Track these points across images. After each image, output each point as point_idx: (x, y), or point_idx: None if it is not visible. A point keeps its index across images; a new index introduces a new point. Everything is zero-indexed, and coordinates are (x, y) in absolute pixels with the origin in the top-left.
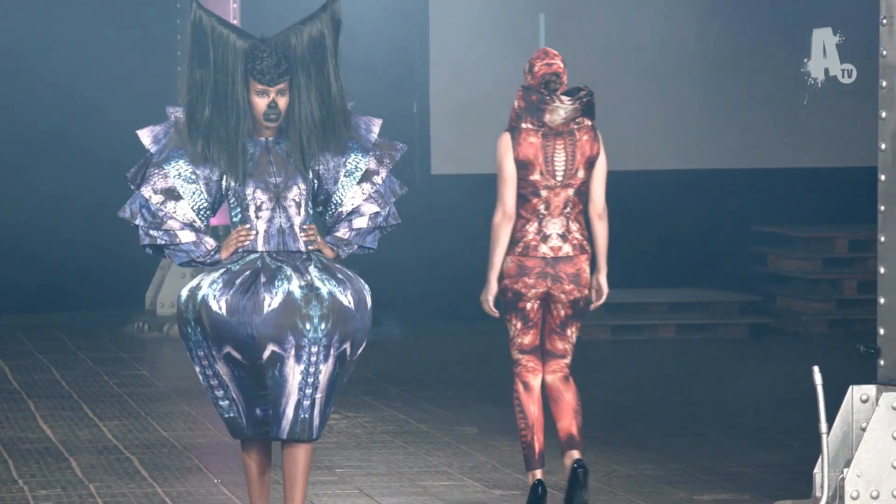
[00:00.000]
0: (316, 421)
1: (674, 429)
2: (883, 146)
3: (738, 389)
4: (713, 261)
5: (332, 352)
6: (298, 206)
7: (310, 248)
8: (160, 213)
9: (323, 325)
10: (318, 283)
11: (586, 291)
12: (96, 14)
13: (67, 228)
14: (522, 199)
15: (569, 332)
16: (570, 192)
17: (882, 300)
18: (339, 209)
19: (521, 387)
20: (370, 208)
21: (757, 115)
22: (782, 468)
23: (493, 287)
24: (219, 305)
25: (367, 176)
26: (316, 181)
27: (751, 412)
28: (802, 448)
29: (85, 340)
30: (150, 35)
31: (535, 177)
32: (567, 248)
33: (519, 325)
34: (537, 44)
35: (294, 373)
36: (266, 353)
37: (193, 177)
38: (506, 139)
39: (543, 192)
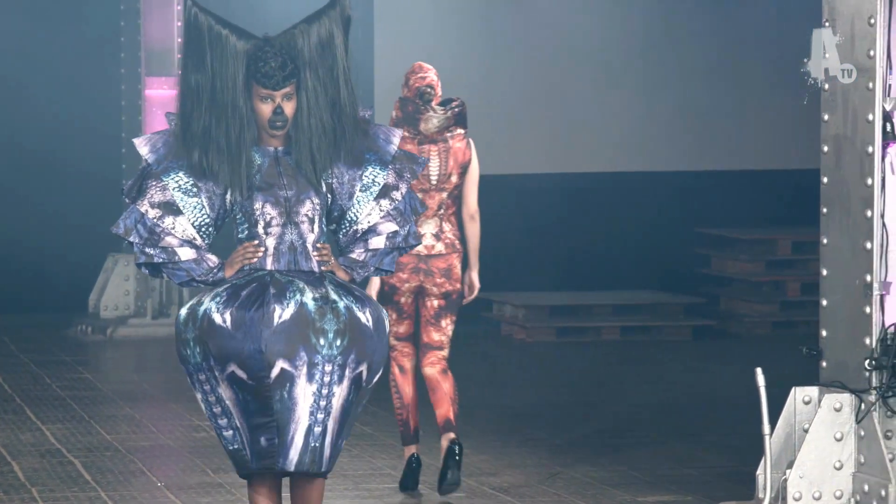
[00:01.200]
0: (327, 452)
1: (618, 431)
2: (825, 149)
3: (681, 391)
4: (657, 263)
5: (347, 373)
6: (312, 222)
7: (322, 268)
8: (157, 230)
9: (339, 342)
10: (334, 296)
11: (458, 286)
12: (36, 14)
13: (7, 230)
14: None
15: (444, 324)
16: (444, 195)
17: (824, 302)
18: (355, 227)
19: (397, 370)
20: (388, 227)
21: (700, 117)
22: (725, 469)
23: (374, 283)
24: (223, 318)
25: (385, 191)
26: (329, 196)
27: (694, 414)
28: (745, 449)
29: (27, 343)
30: (92, 36)
31: None
32: (440, 247)
33: (394, 316)
34: (486, 46)
35: (305, 394)
36: (275, 371)
37: (195, 190)
38: None
39: (419, 195)
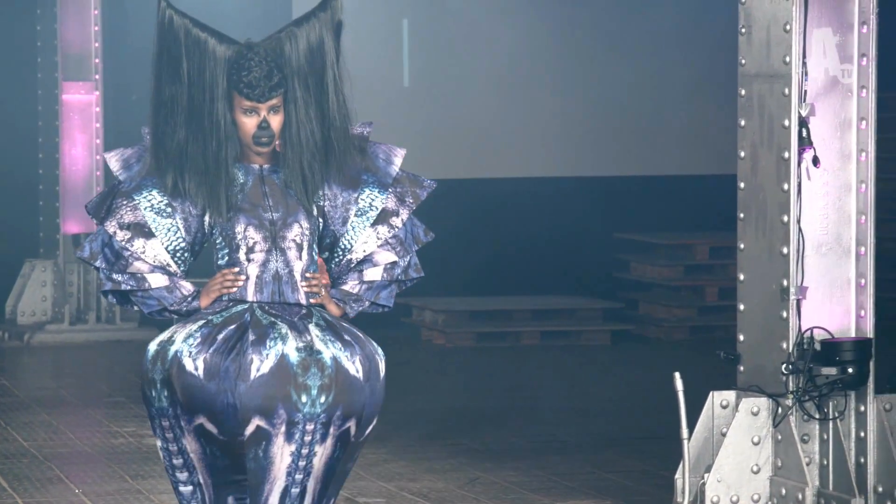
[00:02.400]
0: None
1: (537, 435)
2: (742, 154)
3: (600, 395)
4: (576, 268)
5: (331, 430)
6: (300, 248)
7: (312, 300)
8: (125, 253)
9: (323, 398)
10: (319, 346)
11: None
12: None
13: None
14: None
15: None
16: None
17: (742, 307)
18: (348, 256)
19: None
20: (386, 257)
21: (619, 123)
22: (644, 474)
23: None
24: (195, 365)
25: (383, 217)
26: (321, 220)
27: (613, 418)
28: (664, 454)
29: None
30: (8, 40)
31: None
32: None
33: None
34: (401, 50)
35: (282, 454)
36: (249, 429)
37: (169, 210)
38: None
39: None
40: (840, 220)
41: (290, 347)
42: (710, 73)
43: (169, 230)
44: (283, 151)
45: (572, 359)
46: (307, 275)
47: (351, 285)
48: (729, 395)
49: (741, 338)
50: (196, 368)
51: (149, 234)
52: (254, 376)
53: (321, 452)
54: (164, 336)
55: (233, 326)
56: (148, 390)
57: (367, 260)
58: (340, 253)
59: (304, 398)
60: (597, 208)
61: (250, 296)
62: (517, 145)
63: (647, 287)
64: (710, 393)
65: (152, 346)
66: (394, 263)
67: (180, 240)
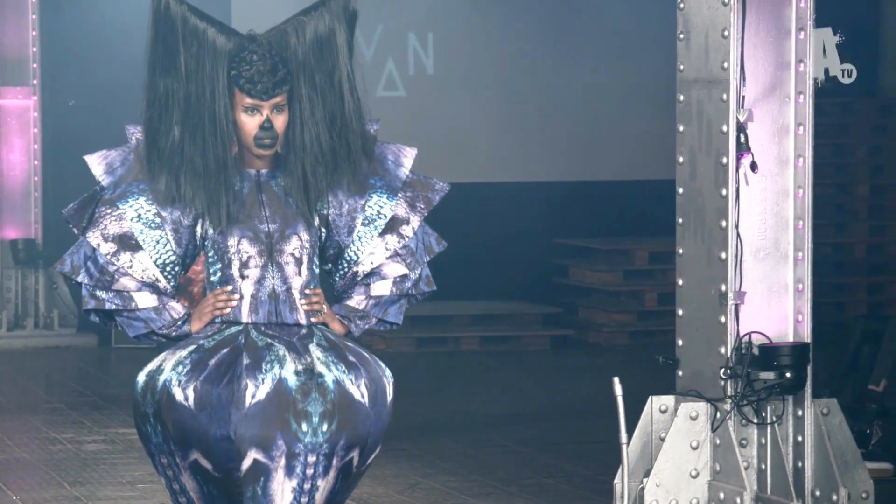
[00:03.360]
0: None
1: (477, 441)
2: (681, 159)
3: (540, 401)
4: (516, 273)
5: (334, 462)
6: (299, 262)
7: (313, 319)
8: (110, 268)
9: (325, 427)
10: (320, 368)
11: None
12: None
13: None
14: None
15: None
16: None
17: (680, 312)
18: (355, 268)
19: None
20: (396, 269)
21: (558, 129)
22: (584, 479)
23: None
24: (184, 395)
25: (393, 225)
26: (324, 230)
27: (553, 423)
28: (603, 458)
29: None
30: None
31: None
32: None
33: (186, 304)
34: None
35: (283, 491)
36: (246, 463)
37: (158, 220)
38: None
39: None
40: (778, 225)
41: (289, 371)
42: (649, 78)
43: (158, 242)
44: (284, 154)
45: (512, 364)
46: (307, 291)
47: (357, 300)
48: (668, 400)
49: (680, 343)
50: (186, 398)
51: (136, 247)
52: (249, 404)
53: (323, 487)
54: (152, 365)
55: (225, 350)
56: (142, 425)
57: (374, 273)
58: (345, 265)
59: (304, 427)
60: (536, 213)
61: (245, 316)
62: (456, 151)
63: (587, 292)
64: (649, 398)
65: (141, 378)
66: (404, 276)
67: (170, 252)
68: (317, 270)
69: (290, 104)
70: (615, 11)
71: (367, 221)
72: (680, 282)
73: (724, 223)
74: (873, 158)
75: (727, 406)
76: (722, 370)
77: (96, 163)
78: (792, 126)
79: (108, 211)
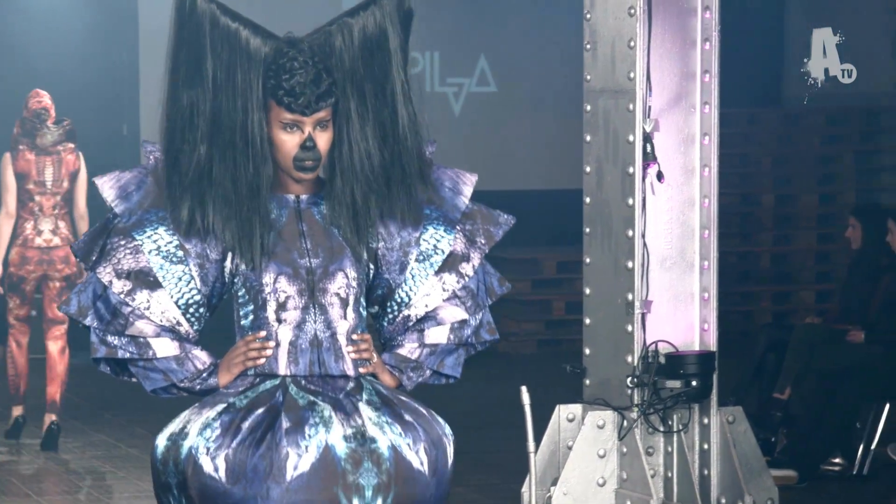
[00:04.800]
0: None
1: None
2: (587, 169)
3: (448, 409)
4: None
5: None
6: (345, 303)
7: (361, 370)
8: (125, 309)
9: (380, 502)
10: (373, 431)
11: (75, 269)
12: None
13: None
14: (21, 203)
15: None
16: (58, 198)
17: (587, 321)
18: (406, 312)
19: (14, 345)
20: (454, 314)
21: (465, 138)
22: (492, 488)
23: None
24: (214, 465)
25: (451, 263)
26: (372, 266)
27: (460, 432)
28: (511, 466)
29: None
30: None
31: (30, 185)
32: (57, 241)
33: (17, 302)
34: None
35: None
36: None
37: (180, 254)
38: (7, 157)
39: (37, 198)
40: (684, 234)
41: (336, 436)
42: (555, 87)
43: (180, 279)
44: (328, 178)
45: None
46: (354, 337)
47: (409, 349)
48: (575, 409)
49: (587, 351)
50: (216, 469)
51: (154, 285)
52: (290, 476)
53: None
54: (174, 427)
55: (261, 410)
56: (164, 497)
57: (429, 317)
58: (396, 307)
59: (356, 502)
60: None
61: (282, 368)
62: None
63: (496, 301)
64: (557, 406)
65: (161, 442)
66: (463, 322)
67: (194, 292)
68: (364, 313)
69: (336, 119)
70: (522, 17)
71: (421, 257)
72: (587, 291)
73: (630, 232)
74: (778, 168)
75: (634, 414)
76: (629, 379)
77: (108, 186)
78: (698, 136)
79: (123, 242)
